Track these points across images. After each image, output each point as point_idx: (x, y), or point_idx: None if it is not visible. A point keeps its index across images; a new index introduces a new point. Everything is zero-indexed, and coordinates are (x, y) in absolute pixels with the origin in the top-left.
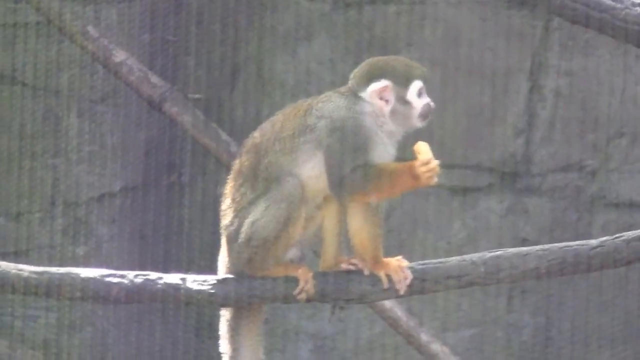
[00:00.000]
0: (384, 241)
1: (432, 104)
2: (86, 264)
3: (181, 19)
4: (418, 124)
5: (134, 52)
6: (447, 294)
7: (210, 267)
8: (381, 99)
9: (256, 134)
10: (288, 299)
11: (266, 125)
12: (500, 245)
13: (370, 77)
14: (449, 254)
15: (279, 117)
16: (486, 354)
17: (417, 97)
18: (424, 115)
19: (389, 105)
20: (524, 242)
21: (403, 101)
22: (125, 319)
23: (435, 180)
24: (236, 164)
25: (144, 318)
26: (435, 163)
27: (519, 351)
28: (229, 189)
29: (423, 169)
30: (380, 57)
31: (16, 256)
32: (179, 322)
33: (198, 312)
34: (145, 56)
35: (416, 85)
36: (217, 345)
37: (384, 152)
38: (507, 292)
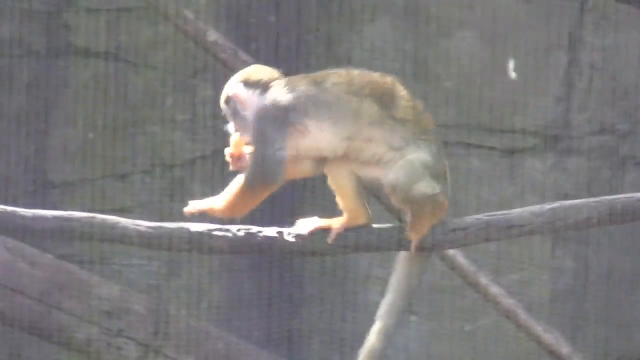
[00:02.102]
0: None
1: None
2: (199, 220)
3: (262, 2)
4: None
5: (222, 32)
6: (497, 243)
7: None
8: None
9: None
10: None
11: None
12: (545, 200)
13: None
14: (500, 208)
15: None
16: (533, 295)
17: None
18: None
19: None
20: (565, 197)
21: None
22: (218, 267)
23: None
24: None
25: (234, 266)
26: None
27: (562, 293)
28: None
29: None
30: None
31: (122, 212)
32: (266, 268)
33: (283, 260)
34: (231, 36)
35: None
36: (293, 289)
37: None
38: (551, 240)
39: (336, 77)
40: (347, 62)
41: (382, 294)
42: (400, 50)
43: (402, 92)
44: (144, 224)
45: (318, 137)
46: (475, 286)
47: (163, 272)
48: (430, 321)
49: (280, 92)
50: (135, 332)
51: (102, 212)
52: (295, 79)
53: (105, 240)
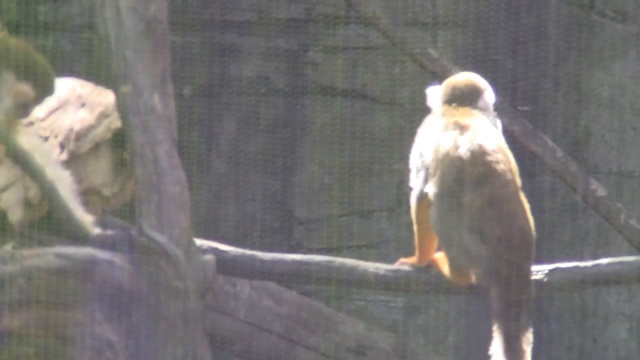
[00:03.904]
0: None
1: None
2: None
3: (506, 40)
4: None
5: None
6: None
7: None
8: None
9: None
10: None
11: None
12: None
13: None
14: None
15: None
16: None
17: None
18: None
19: None
20: None
21: None
22: (464, 302)
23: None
24: None
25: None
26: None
27: None
28: None
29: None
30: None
31: (366, 248)
32: None
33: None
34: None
35: None
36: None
37: None
38: None
39: None
40: (594, 98)
41: (630, 331)
42: None
43: None
44: (383, 267)
45: None
46: None
47: (406, 308)
48: None
49: None
50: None
51: (346, 248)
52: None
53: (343, 284)
